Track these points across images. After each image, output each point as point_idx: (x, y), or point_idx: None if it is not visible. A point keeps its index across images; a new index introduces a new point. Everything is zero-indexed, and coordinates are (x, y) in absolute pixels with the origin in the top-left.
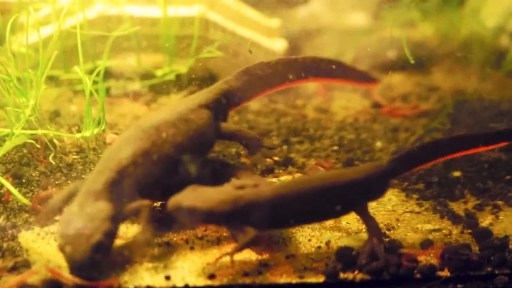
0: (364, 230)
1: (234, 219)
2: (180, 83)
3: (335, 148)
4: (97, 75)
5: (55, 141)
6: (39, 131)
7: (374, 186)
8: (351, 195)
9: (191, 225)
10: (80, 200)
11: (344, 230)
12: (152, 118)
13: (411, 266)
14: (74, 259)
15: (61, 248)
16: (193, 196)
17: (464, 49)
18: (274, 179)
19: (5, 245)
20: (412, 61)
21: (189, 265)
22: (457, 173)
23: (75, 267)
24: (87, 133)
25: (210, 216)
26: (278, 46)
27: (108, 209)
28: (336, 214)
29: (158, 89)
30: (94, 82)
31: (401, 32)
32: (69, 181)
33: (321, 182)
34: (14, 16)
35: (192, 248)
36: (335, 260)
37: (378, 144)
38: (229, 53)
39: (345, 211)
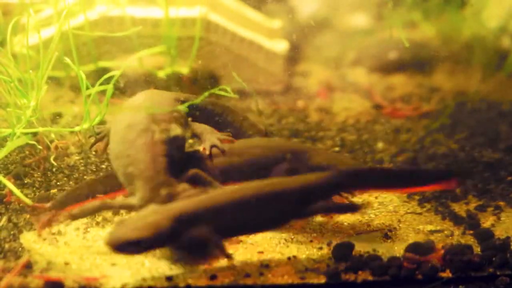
0: (365, 231)
1: (177, 234)
2: (181, 84)
3: (337, 149)
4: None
5: (57, 141)
6: (40, 129)
7: (321, 194)
8: (296, 201)
9: (139, 254)
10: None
11: (346, 231)
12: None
13: (412, 267)
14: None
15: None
16: (131, 227)
17: (466, 50)
18: None
19: (7, 246)
20: (407, 44)
21: (191, 266)
22: None
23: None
24: (85, 126)
25: (157, 240)
26: (279, 47)
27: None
28: (285, 220)
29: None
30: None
31: (402, 33)
32: (70, 182)
33: (267, 189)
34: (16, 18)
35: None
36: (332, 257)
37: (380, 145)
38: (231, 55)
39: (290, 217)
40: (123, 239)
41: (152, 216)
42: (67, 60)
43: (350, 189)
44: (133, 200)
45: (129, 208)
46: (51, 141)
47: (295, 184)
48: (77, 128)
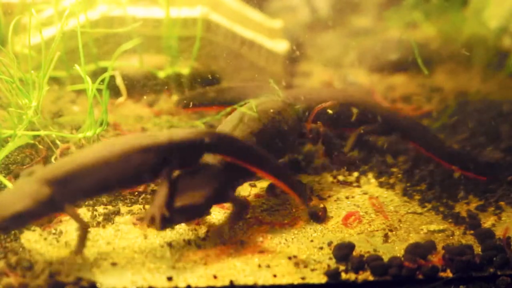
0: (366, 231)
1: (54, 203)
2: (182, 84)
3: None
4: (102, 79)
5: (58, 142)
6: (42, 132)
7: (181, 154)
8: (151, 160)
9: (24, 227)
10: None
11: (346, 231)
12: None
13: (413, 267)
14: None
15: None
16: (9, 202)
17: (467, 50)
18: None
19: (8, 245)
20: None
21: (191, 266)
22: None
23: None
24: (89, 133)
25: (32, 213)
26: (280, 47)
27: None
28: (143, 179)
29: (160, 90)
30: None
31: (409, 34)
32: None
33: (121, 146)
34: (17, 17)
35: (194, 249)
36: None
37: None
38: (232, 54)
39: (151, 177)
40: (5, 215)
41: (27, 186)
42: (76, 67)
43: (217, 152)
44: None
45: None
46: (52, 141)
47: (161, 138)
48: (80, 135)
